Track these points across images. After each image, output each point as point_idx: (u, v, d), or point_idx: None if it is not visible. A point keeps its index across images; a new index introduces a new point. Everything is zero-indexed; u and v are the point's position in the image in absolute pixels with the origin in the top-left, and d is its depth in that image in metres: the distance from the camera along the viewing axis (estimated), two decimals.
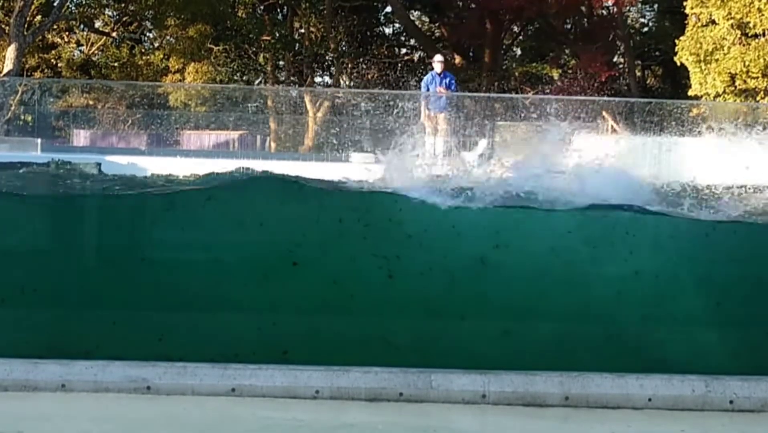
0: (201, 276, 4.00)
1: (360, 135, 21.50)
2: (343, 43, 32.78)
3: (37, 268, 4.02)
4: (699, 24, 20.56)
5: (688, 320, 3.82)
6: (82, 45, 36.03)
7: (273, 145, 25.53)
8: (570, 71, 32.98)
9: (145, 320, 3.93)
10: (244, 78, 35.10)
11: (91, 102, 30.15)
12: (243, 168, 5.10)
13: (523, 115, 19.40)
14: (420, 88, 15.51)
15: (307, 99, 28.53)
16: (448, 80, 14.59)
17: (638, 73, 33.20)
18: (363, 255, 3.98)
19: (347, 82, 36.43)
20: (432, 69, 15.32)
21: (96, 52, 35.22)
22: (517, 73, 35.35)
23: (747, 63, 19.28)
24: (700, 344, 3.76)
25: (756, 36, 19.96)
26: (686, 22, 21.40)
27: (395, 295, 3.91)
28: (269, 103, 27.47)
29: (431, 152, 13.97)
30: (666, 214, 4.15)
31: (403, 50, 37.43)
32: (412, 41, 35.59)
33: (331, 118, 26.62)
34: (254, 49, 32.84)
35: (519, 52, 36.08)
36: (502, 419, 3.14)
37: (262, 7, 32.68)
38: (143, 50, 35.67)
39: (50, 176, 5.15)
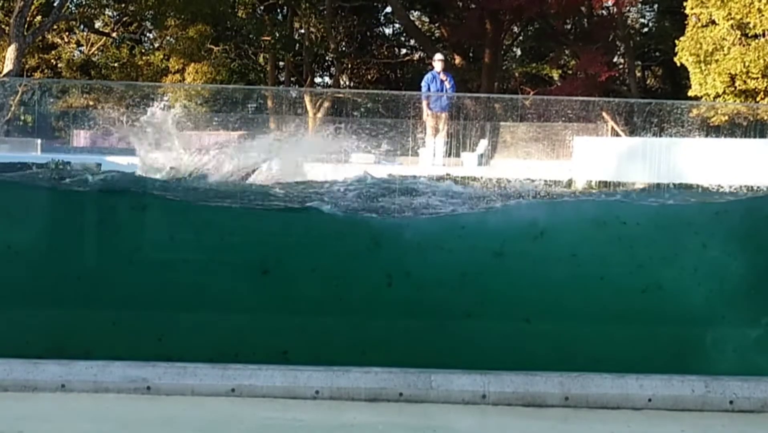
0: None
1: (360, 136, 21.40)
2: (343, 43, 32.80)
3: None
4: (699, 24, 20.56)
5: None
6: (82, 45, 36.03)
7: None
8: (570, 72, 33.01)
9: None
10: (250, 78, 35.09)
11: (91, 102, 30.10)
12: None
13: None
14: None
15: (307, 99, 28.54)
16: (447, 79, 14.58)
17: (638, 74, 33.21)
18: None
19: (347, 83, 36.44)
20: (432, 68, 15.29)
21: (96, 52, 35.22)
22: (517, 74, 35.37)
23: (747, 63, 19.27)
24: None
25: (756, 36, 19.95)
26: (686, 22, 21.40)
27: None
28: (269, 103, 27.48)
29: (432, 152, 13.92)
30: None
31: (403, 50, 37.45)
32: (412, 41, 35.60)
33: (331, 119, 26.59)
34: (254, 49, 32.86)
35: (519, 52, 36.09)
36: (502, 419, 3.14)
37: (262, 8, 32.69)
38: (143, 51, 35.67)
39: None
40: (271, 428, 3.02)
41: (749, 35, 19.97)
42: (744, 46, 19.75)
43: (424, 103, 14.33)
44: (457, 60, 32.98)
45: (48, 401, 3.22)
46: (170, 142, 6.06)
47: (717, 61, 19.71)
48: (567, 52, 33.17)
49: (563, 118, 18.97)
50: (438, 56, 15.18)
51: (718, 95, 19.94)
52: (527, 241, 4.02)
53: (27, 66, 32.01)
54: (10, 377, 3.35)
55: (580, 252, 3.96)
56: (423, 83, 14.97)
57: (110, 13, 32.42)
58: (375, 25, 36.07)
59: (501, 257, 3.96)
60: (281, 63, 35.05)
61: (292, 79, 34.90)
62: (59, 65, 34.43)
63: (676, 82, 30.10)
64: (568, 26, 32.32)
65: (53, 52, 34.76)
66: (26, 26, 25.26)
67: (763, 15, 19.18)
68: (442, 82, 14.38)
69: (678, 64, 21.24)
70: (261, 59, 35.05)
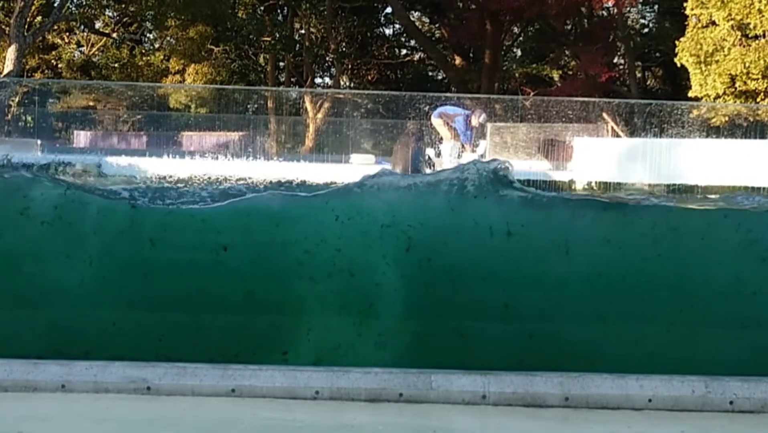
0: None
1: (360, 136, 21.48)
2: (344, 44, 32.83)
3: None
4: (699, 25, 20.58)
5: None
6: (83, 46, 36.05)
7: (273, 146, 25.58)
8: (570, 72, 33.04)
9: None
10: (250, 79, 35.17)
11: (91, 103, 30.15)
12: None
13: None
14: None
15: (307, 100, 28.58)
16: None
17: (638, 75, 33.23)
18: None
19: (347, 83, 36.48)
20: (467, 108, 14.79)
21: (96, 52, 35.23)
22: (517, 74, 35.41)
23: (747, 64, 19.30)
24: None
25: (756, 37, 19.98)
26: (686, 23, 21.43)
27: None
28: (269, 104, 27.53)
29: (446, 157, 13.84)
30: None
31: (404, 51, 37.50)
32: (413, 42, 35.64)
33: (331, 120, 26.64)
34: (254, 50, 32.90)
35: (519, 53, 36.13)
36: (502, 420, 3.14)
37: (262, 8, 32.72)
38: (143, 51, 35.69)
39: None
40: (271, 429, 3.02)
41: (749, 36, 20.00)
42: (744, 47, 19.76)
43: (442, 119, 13.99)
44: (458, 60, 33.02)
45: (48, 401, 3.22)
46: None
47: (717, 62, 19.73)
48: (567, 52, 33.21)
49: (563, 119, 18.99)
50: (482, 118, 14.37)
51: (718, 96, 19.97)
52: None
53: (27, 66, 32.03)
54: (10, 377, 3.35)
55: None
56: (460, 117, 14.22)
57: (110, 14, 32.45)
58: (375, 26, 36.11)
59: None
60: (281, 63, 35.09)
61: (292, 79, 34.93)
62: (59, 66, 34.45)
63: (677, 83, 30.12)
64: (569, 27, 32.36)
65: (53, 53, 34.77)
66: (26, 27, 25.29)
67: (763, 16, 19.20)
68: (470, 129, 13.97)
69: (678, 65, 21.26)
70: (261, 60, 35.09)
